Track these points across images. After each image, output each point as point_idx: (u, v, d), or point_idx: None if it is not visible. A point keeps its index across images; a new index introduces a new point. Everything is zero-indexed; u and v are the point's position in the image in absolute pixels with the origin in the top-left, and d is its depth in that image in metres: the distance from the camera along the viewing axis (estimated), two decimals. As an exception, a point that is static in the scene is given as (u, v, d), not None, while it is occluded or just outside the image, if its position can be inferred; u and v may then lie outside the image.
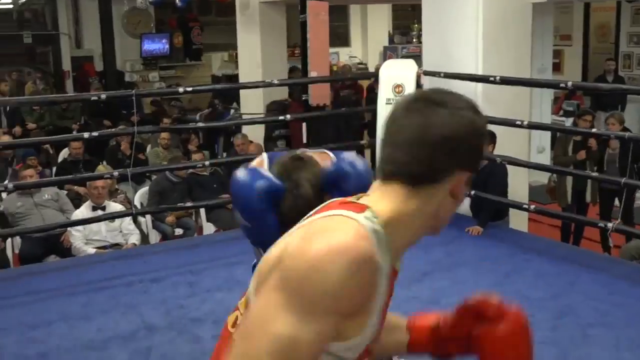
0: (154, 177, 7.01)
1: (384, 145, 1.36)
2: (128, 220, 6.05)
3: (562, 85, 6.19)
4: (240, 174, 1.85)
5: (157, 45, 13.76)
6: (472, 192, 5.48)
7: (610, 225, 5.22)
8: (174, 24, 14.02)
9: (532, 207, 5.81)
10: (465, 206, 5.72)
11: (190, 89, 7.34)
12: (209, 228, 6.61)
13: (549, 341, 3.74)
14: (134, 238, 6.14)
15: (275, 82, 7.22)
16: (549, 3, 6.47)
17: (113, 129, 8.26)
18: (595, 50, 14.11)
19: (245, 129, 8.01)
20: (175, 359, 3.61)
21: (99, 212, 5.78)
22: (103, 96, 6.31)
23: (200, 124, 9.29)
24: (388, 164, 1.35)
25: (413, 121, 1.32)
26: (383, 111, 5.94)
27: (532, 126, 5.77)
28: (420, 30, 6.86)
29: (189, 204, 6.22)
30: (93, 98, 6.88)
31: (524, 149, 6.12)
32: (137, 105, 8.56)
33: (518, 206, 5.69)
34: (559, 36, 12.65)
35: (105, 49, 11.89)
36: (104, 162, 7.76)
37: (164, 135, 8.07)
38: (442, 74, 5.98)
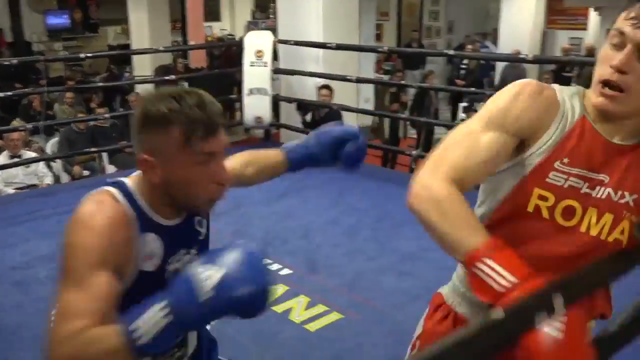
0: (62, 129, 6.64)
1: None
2: (42, 164, 5.73)
3: (380, 49, 6.35)
4: None
5: (60, 20, 12.83)
6: (317, 132, 5.59)
7: (414, 152, 5.51)
8: (73, 1, 13.09)
9: (361, 141, 6.01)
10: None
11: (90, 55, 6.97)
12: (110, 169, 6.37)
13: (370, 238, 3.95)
14: (48, 179, 5.83)
15: (162, 48, 6.98)
16: (370, -13, 6.58)
17: (27, 89, 7.75)
18: (406, 24, 14.49)
19: (138, 88, 7.79)
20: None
21: (16, 160, 5.46)
22: (15, 61, 5.96)
23: (100, 84, 8.98)
24: None
25: None
26: (248, 71, 5.88)
27: (360, 80, 5.90)
28: (275, 8, 6.77)
29: (93, 149, 5.96)
30: (5, 63, 6.61)
31: (353, 99, 6.27)
32: (45, 70, 8.17)
33: (350, 141, 5.87)
34: (379, 13, 12.87)
35: (14, 23, 11.13)
36: (17, 119, 7.28)
37: (68, 94, 7.65)
38: (292, 42, 5.98)
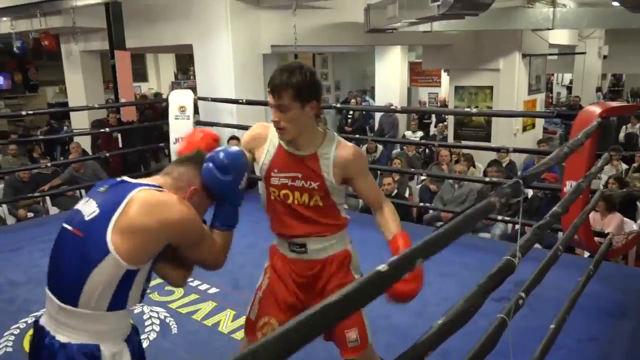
0: (6, 177, 6.14)
1: None
2: (-13, 209, 5.27)
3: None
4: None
5: (0, 82, 11.99)
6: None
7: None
8: (13, 65, 12.27)
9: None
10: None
11: (31, 112, 6.53)
12: (54, 210, 5.95)
13: None
14: (-6, 222, 5.38)
15: (96, 106, 6.67)
16: (273, 54, 6.67)
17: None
18: (302, 83, 14.77)
19: (76, 139, 7.38)
20: (35, 303, 3.22)
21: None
22: (-43, 120, 5.47)
23: (41, 137, 8.47)
24: None
25: None
26: (173, 123, 5.75)
27: (268, 129, 5.94)
28: (194, 70, 6.71)
29: (36, 194, 5.55)
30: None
31: (264, 144, 6.28)
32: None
33: (260, 179, 5.84)
34: (281, 74, 13.08)
35: (-43, 85, 10.14)
36: (-37, 169, 6.66)
37: (11, 146, 7.09)
38: (209, 98, 5.93)
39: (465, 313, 1.31)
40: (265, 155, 1.79)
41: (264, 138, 1.80)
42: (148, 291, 1.62)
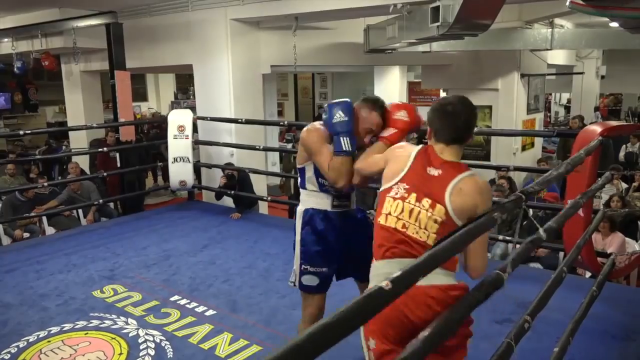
0: (4, 197, 6.11)
1: (448, 127, 1.72)
2: (-17, 229, 5.23)
3: (282, 123, 6.45)
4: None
5: (0, 102, 12.03)
6: (233, 192, 5.51)
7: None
8: (13, 85, 12.33)
9: (269, 198, 5.99)
10: (229, 201, 5.74)
11: (29, 131, 6.52)
12: (50, 230, 5.90)
13: (282, 278, 3.79)
14: (-11, 242, 5.33)
15: (95, 125, 6.70)
16: (272, 73, 6.71)
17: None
18: (302, 103, 14.89)
19: (75, 158, 7.37)
20: (29, 325, 3.17)
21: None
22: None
23: (39, 157, 8.48)
24: (452, 135, 1.71)
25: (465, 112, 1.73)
26: (172, 143, 5.75)
27: (266, 149, 5.94)
28: (194, 90, 6.74)
29: (33, 214, 5.51)
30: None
31: (262, 163, 6.29)
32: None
33: (261, 198, 5.83)
34: (280, 94, 13.16)
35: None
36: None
37: (10, 166, 7.07)
38: (208, 118, 5.94)
39: (449, 324, 1.29)
40: None
41: None
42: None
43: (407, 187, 1.68)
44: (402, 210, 1.66)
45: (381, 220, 1.71)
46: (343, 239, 2.26)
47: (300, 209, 2.31)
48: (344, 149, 2.10)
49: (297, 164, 2.31)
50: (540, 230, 1.76)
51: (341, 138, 2.10)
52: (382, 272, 1.66)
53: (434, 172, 1.68)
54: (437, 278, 1.56)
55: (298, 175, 2.33)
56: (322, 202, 2.25)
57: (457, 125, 1.69)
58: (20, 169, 7.64)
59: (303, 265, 2.27)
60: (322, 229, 2.24)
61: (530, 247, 1.92)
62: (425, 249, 1.59)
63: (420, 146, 1.78)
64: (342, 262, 2.31)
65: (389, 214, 1.68)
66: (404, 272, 1.06)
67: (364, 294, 0.98)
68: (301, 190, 2.33)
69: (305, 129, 2.24)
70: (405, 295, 1.40)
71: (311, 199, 2.26)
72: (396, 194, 1.68)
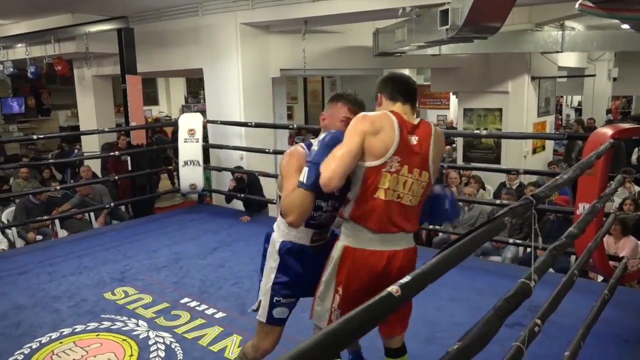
0: (17, 200, 6.19)
1: (403, 86, 1.91)
2: (-3, 232, 5.32)
3: (291, 127, 6.46)
4: None
5: (14, 106, 12.20)
6: (242, 195, 5.52)
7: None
8: (27, 90, 12.48)
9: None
10: (239, 204, 5.76)
11: (42, 135, 6.62)
12: (62, 233, 5.96)
13: None
14: (3, 244, 5.39)
15: (106, 129, 6.76)
16: (282, 77, 6.73)
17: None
18: (312, 106, 14.90)
19: (86, 162, 7.43)
20: (41, 327, 3.21)
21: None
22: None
23: (51, 160, 8.59)
24: (409, 93, 1.92)
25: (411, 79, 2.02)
26: (182, 146, 5.78)
27: (276, 152, 5.95)
28: (204, 94, 6.79)
29: (46, 217, 5.57)
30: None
31: (271, 166, 6.30)
32: (0, 149, 7.60)
33: (270, 201, 5.84)
34: (290, 97, 13.19)
35: (-29, 109, 10.35)
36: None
37: (23, 169, 7.15)
38: (219, 122, 5.97)
39: (482, 338, 1.26)
40: None
41: None
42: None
43: (399, 159, 1.78)
44: (397, 183, 1.80)
45: (380, 195, 1.80)
46: (316, 268, 2.05)
47: (276, 237, 2.09)
48: (301, 179, 1.80)
49: (279, 191, 2.00)
50: (563, 237, 1.74)
51: (305, 168, 1.81)
52: (389, 242, 1.84)
53: (413, 140, 1.82)
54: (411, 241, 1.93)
55: (277, 204, 2.04)
56: (302, 237, 2.05)
57: (411, 85, 1.92)
58: (33, 173, 7.74)
59: (275, 298, 2.07)
60: (299, 263, 2.06)
61: (554, 254, 1.91)
62: (415, 212, 1.89)
63: (389, 114, 1.83)
64: (310, 286, 2.10)
65: (388, 188, 1.79)
66: (413, 279, 1.05)
67: (374, 299, 0.97)
68: (280, 217, 2.06)
69: (287, 151, 2.00)
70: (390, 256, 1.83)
71: (290, 231, 2.04)
72: (391, 167, 1.78)
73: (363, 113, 1.85)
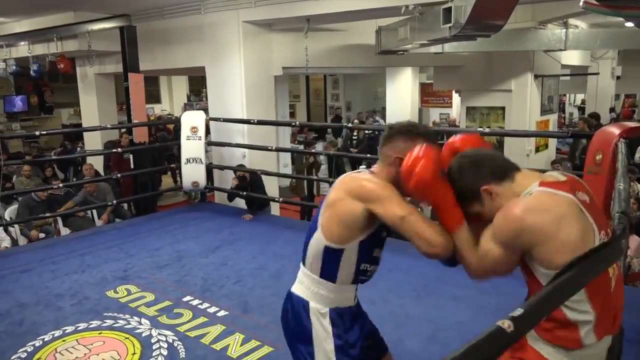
0: (20, 198, 6.20)
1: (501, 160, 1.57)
2: (0, 230, 5.30)
3: (293, 124, 6.45)
4: None
5: (17, 104, 12.22)
6: (245, 193, 5.52)
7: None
8: (30, 88, 12.50)
9: (281, 199, 6.00)
10: (241, 202, 5.76)
11: (44, 132, 6.61)
12: (65, 231, 5.97)
13: (294, 280, 3.85)
14: (6, 242, 5.39)
15: (109, 126, 6.77)
16: (284, 75, 6.72)
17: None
18: (314, 104, 14.89)
19: (89, 160, 7.45)
20: (44, 325, 3.21)
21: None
22: (-26, 140, 5.55)
23: (54, 157, 8.61)
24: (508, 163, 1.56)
25: None
26: (185, 144, 5.78)
27: (278, 149, 5.96)
28: (206, 92, 6.78)
29: (48, 215, 5.58)
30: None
31: (273, 164, 6.30)
32: (3, 146, 7.59)
33: (273, 199, 5.84)
34: (292, 96, 13.18)
35: (-26, 107, 10.36)
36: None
37: (26, 167, 7.16)
38: (221, 119, 5.97)
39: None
40: None
41: None
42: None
43: (599, 229, 1.41)
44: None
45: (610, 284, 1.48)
46: (370, 323, 1.75)
47: (317, 308, 1.61)
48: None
49: (325, 240, 1.55)
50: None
51: None
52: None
53: (585, 197, 1.44)
54: None
55: (318, 258, 1.59)
56: (349, 297, 1.64)
57: (501, 156, 1.60)
58: (36, 171, 7.75)
59: None
60: (359, 329, 1.66)
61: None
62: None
63: (561, 192, 1.41)
64: (380, 343, 1.78)
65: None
66: (526, 311, 0.89)
67: (482, 335, 0.84)
68: (320, 279, 1.61)
69: (360, 176, 1.59)
70: None
71: (335, 295, 1.60)
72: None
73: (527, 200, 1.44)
